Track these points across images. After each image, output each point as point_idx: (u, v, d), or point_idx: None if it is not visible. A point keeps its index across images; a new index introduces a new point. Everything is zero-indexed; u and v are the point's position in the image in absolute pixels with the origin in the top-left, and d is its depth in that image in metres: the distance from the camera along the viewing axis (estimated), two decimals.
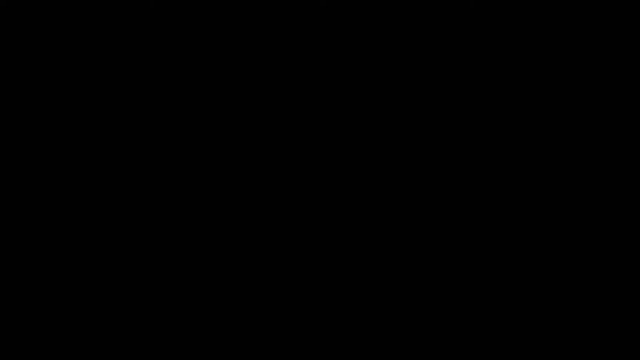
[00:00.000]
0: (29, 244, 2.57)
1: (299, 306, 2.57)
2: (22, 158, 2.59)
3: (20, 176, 2.59)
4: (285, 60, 2.63)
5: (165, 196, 2.60)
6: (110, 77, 2.62)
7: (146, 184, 2.60)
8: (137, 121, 2.61)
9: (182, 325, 2.55)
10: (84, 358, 2.53)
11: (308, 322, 2.56)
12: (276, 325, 2.56)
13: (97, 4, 2.62)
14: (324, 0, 2.63)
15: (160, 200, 2.59)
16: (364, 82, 2.62)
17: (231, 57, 2.63)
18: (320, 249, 2.58)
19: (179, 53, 2.62)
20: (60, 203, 2.58)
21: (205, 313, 2.56)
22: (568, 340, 2.53)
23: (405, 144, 2.61)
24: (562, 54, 2.61)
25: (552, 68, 2.61)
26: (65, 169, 2.59)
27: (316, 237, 2.59)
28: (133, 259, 2.57)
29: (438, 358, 2.53)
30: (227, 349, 2.55)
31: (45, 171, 2.59)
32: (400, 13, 2.63)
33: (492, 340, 2.54)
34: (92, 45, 2.62)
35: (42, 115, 2.60)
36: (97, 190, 2.59)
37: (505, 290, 2.56)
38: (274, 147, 2.61)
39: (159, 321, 2.55)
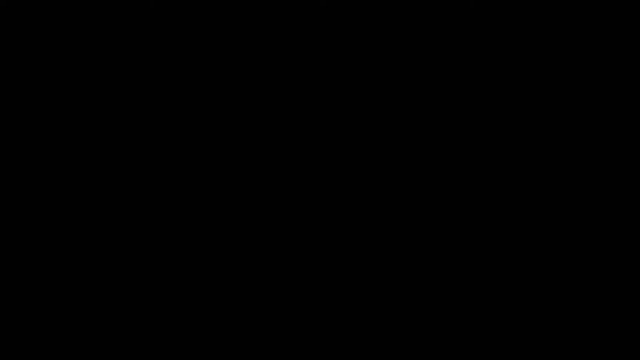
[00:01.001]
0: (29, 244, 2.57)
1: (299, 306, 2.57)
2: (22, 158, 2.59)
3: (20, 176, 2.59)
4: (286, 60, 2.63)
5: (165, 196, 2.60)
6: (110, 77, 2.62)
7: (146, 184, 2.60)
8: (137, 121, 2.61)
9: (182, 325, 2.55)
10: (84, 358, 2.53)
11: (308, 322, 2.56)
12: (276, 325, 2.56)
13: (97, 4, 2.62)
14: (324, 0, 2.63)
15: (160, 200, 2.59)
16: (364, 82, 2.62)
17: (231, 57, 2.63)
18: (320, 248, 2.58)
19: (179, 53, 2.62)
20: (60, 203, 2.58)
21: (205, 313, 2.56)
22: (568, 340, 2.53)
23: (405, 143, 2.61)
24: (562, 54, 2.61)
25: (552, 68, 2.61)
26: (65, 169, 2.59)
27: (316, 237, 2.59)
28: (133, 259, 2.57)
29: (438, 358, 2.53)
30: (227, 349, 2.55)
31: (46, 171, 2.59)
32: (400, 13, 2.63)
33: (492, 341, 2.54)
34: (92, 45, 2.62)
35: (42, 115, 2.60)
36: (97, 190, 2.59)
37: (505, 291, 2.56)
38: (274, 147, 2.61)
39: (159, 321, 2.55)
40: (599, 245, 2.56)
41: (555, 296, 2.55)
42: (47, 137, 2.60)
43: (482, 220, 2.58)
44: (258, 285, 2.57)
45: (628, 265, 2.55)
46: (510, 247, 2.57)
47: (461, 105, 2.61)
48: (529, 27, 2.61)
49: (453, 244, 2.58)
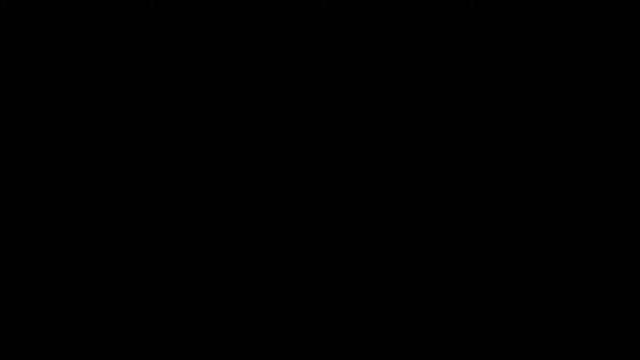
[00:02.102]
0: (29, 244, 2.57)
1: (299, 306, 2.57)
2: (22, 158, 2.59)
3: (20, 176, 2.59)
4: (286, 60, 2.63)
5: (165, 196, 2.60)
6: (110, 77, 2.62)
7: (146, 184, 2.60)
8: (137, 121, 2.61)
9: (182, 325, 2.55)
10: (84, 358, 2.53)
11: (308, 322, 2.56)
12: (276, 325, 2.56)
13: (97, 4, 2.63)
14: (324, 0, 2.63)
15: (160, 201, 2.60)
16: (364, 82, 2.62)
17: (231, 57, 2.63)
18: (321, 249, 2.59)
19: (179, 53, 2.62)
20: (60, 203, 2.58)
21: (205, 313, 2.56)
22: (568, 340, 2.53)
23: (405, 143, 2.61)
24: (562, 54, 2.61)
25: (552, 68, 2.61)
26: (65, 169, 2.59)
27: (316, 237, 2.59)
28: (133, 259, 2.58)
29: (438, 358, 2.54)
30: (227, 349, 2.55)
31: (46, 171, 2.59)
32: (400, 13, 2.63)
33: (492, 341, 2.54)
34: (92, 45, 2.62)
35: (42, 115, 2.61)
36: (97, 190, 2.59)
37: (505, 291, 2.56)
38: (274, 147, 2.61)
39: (159, 321, 2.56)
40: (599, 245, 2.56)
41: (555, 296, 2.55)
42: (47, 137, 2.60)
43: (482, 220, 2.58)
44: (258, 285, 2.58)
45: (628, 265, 2.55)
46: (510, 247, 2.57)
47: (461, 105, 2.61)
48: (529, 27, 2.61)
49: (453, 244, 2.58)
